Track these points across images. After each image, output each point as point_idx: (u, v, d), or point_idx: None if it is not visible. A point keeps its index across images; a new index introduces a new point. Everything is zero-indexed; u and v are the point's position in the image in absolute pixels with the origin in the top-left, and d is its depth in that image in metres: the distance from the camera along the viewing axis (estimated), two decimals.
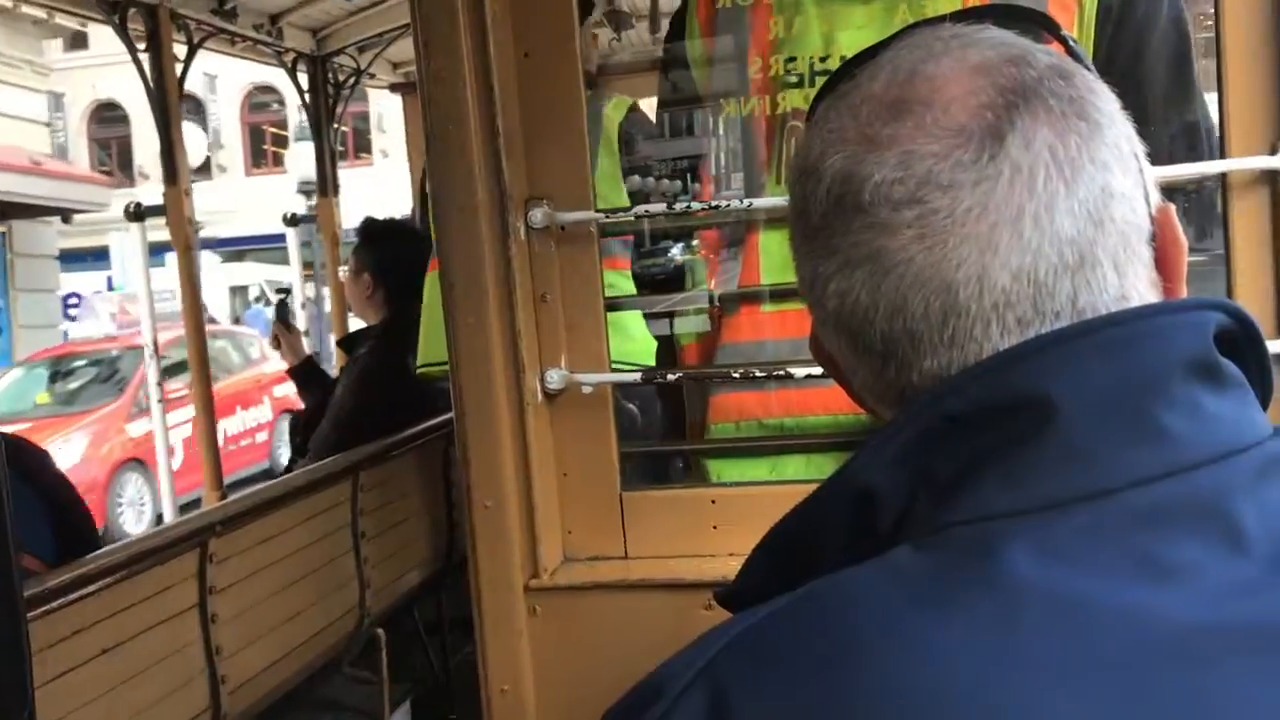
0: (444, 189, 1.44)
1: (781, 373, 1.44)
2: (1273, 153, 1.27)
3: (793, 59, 1.57)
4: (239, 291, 19.76)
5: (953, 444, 0.61)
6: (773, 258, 1.56)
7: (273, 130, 23.99)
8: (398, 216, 4.36)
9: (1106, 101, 0.65)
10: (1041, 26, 0.73)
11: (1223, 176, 1.30)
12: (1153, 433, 0.58)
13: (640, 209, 1.50)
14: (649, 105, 2.55)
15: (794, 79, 1.57)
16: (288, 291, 5.50)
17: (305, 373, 4.03)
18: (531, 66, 1.45)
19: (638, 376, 1.49)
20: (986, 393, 0.60)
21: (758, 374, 1.45)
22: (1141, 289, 0.64)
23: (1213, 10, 1.30)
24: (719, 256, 1.64)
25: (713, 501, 1.47)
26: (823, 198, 0.64)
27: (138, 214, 4.39)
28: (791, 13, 1.57)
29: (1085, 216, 0.61)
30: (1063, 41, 0.72)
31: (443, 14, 1.41)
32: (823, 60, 1.55)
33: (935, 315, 0.62)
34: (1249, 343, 0.63)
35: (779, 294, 1.54)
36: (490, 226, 1.42)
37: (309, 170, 13.67)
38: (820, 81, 1.51)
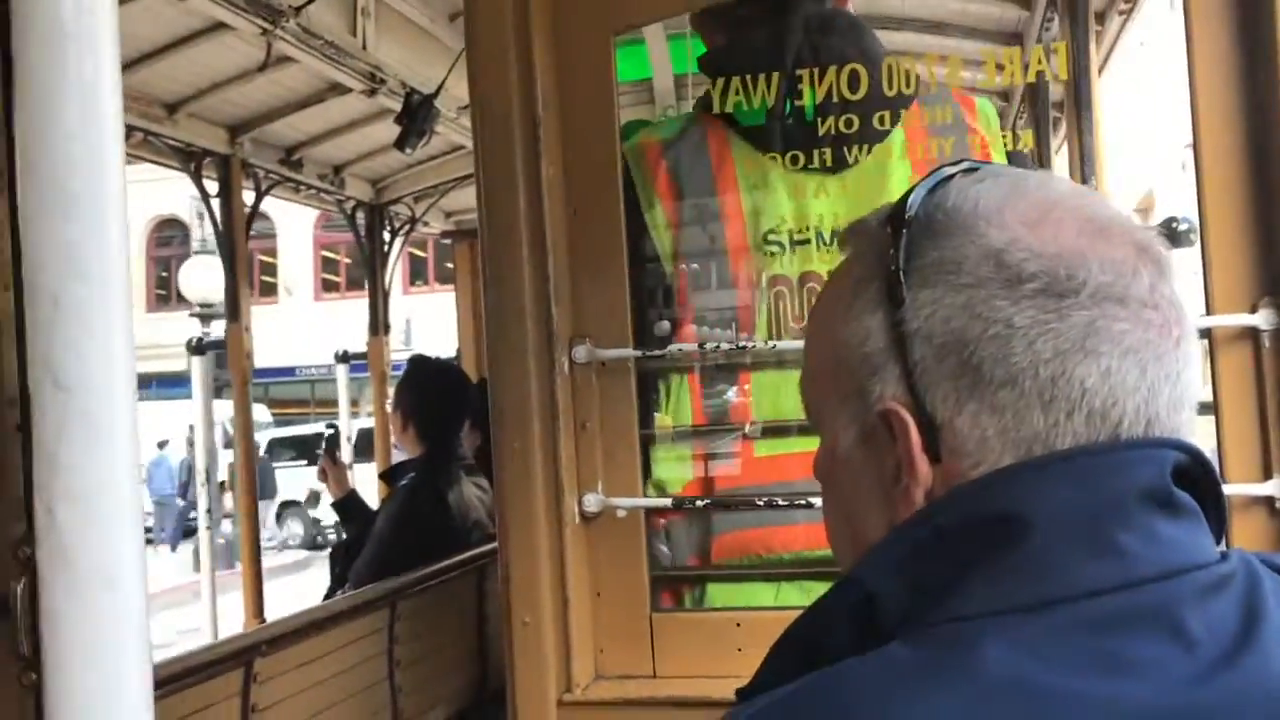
0: (497, 327, 1.59)
1: (804, 503, 1.56)
2: (1253, 311, 1.39)
3: (772, 230, 1.70)
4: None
5: (944, 552, 0.69)
6: (762, 404, 1.68)
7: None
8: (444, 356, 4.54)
9: None
10: None
11: (1208, 331, 1.42)
12: (1112, 551, 0.66)
13: (675, 348, 1.65)
14: None
15: (775, 248, 1.69)
16: (335, 428, 5.67)
17: (348, 505, 4.16)
18: (579, 221, 1.62)
19: (669, 502, 1.61)
20: (974, 509, 0.69)
21: (780, 503, 1.57)
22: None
23: (1195, 175, 1.44)
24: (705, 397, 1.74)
25: (738, 625, 1.56)
26: (1085, 293, 0.69)
27: (199, 348, 4.59)
28: (760, 186, 1.71)
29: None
30: None
31: (502, 175, 1.59)
32: (801, 231, 1.68)
33: (1138, 413, 0.69)
34: (1204, 478, 0.71)
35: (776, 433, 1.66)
36: (538, 361, 1.57)
37: (208, 293, 13.02)
38: (801, 250, 1.67)
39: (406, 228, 5.19)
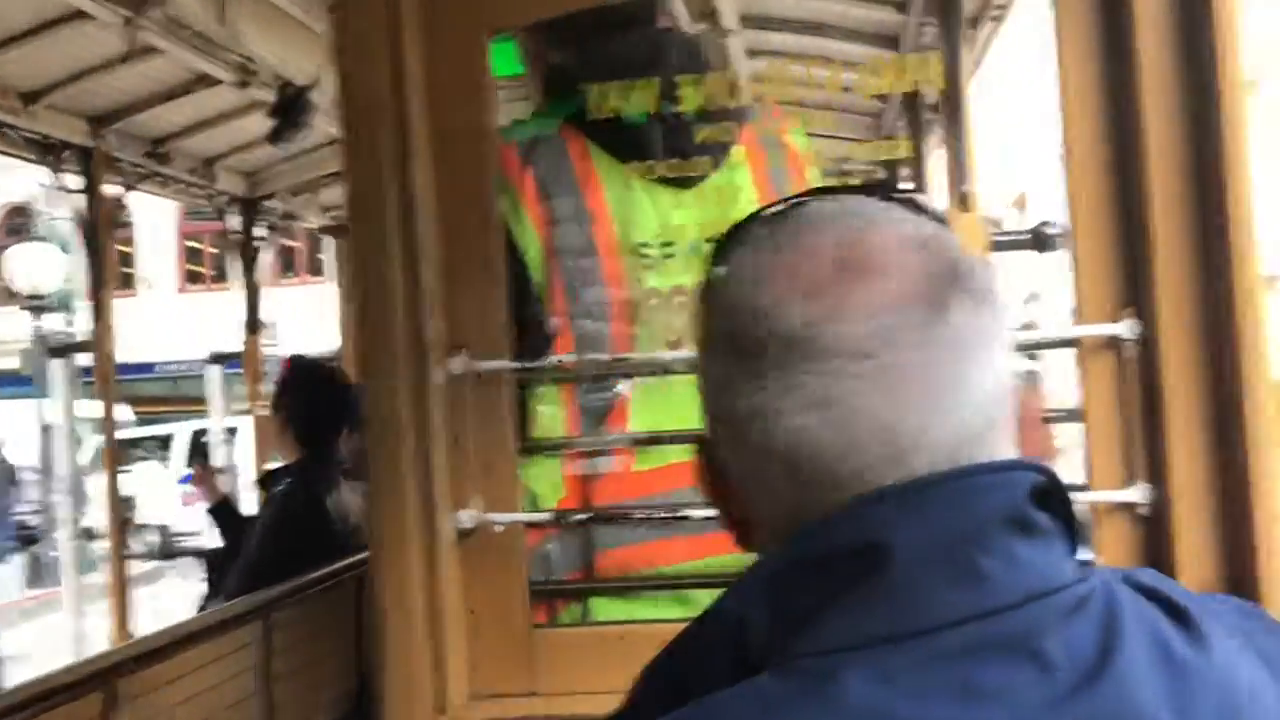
0: (368, 337, 1.54)
1: (684, 515, 1.54)
2: (1116, 320, 1.43)
3: (643, 242, 1.70)
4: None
5: (806, 582, 0.68)
6: (641, 416, 1.68)
7: None
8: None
9: (1000, 290, 0.75)
10: (936, 218, 0.81)
11: (1078, 340, 1.45)
12: (973, 578, 0.66)
13: (554, 359, 1.62)
14: None
15: (646, 260, 1.70)
16: (204, 431, 5.50)
17: (222, 512, 4.03)
18: (452, 226, 1.57)
19: (548, 516, 1.58)
20: (838, 538, 0.68)
21: (663, 516, 1.55)
22: (1009, 447, 0.73)
23: (1065, 186, 1.48)
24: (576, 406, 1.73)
25: (621, 638, 1.54)
26: (771, 338, 0.70)
27: (59, 350, 4.40)
28: (625, 197, 1.71)
29: (995, 386, 0.70)
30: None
31: (371, 176, 1.53)
32: (667, 245, 1.69)
33: (878, 463, 0.68)
34: (1058, 498, 0.72)
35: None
36: (411, 372, 1.52)
37: (41, 283, 11.30)
38: (669, 264, 1.67)
39: (280, 222, 5.04)
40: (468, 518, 1.53)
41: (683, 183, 1.72)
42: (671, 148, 1.68)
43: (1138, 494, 1.42)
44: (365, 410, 1.55)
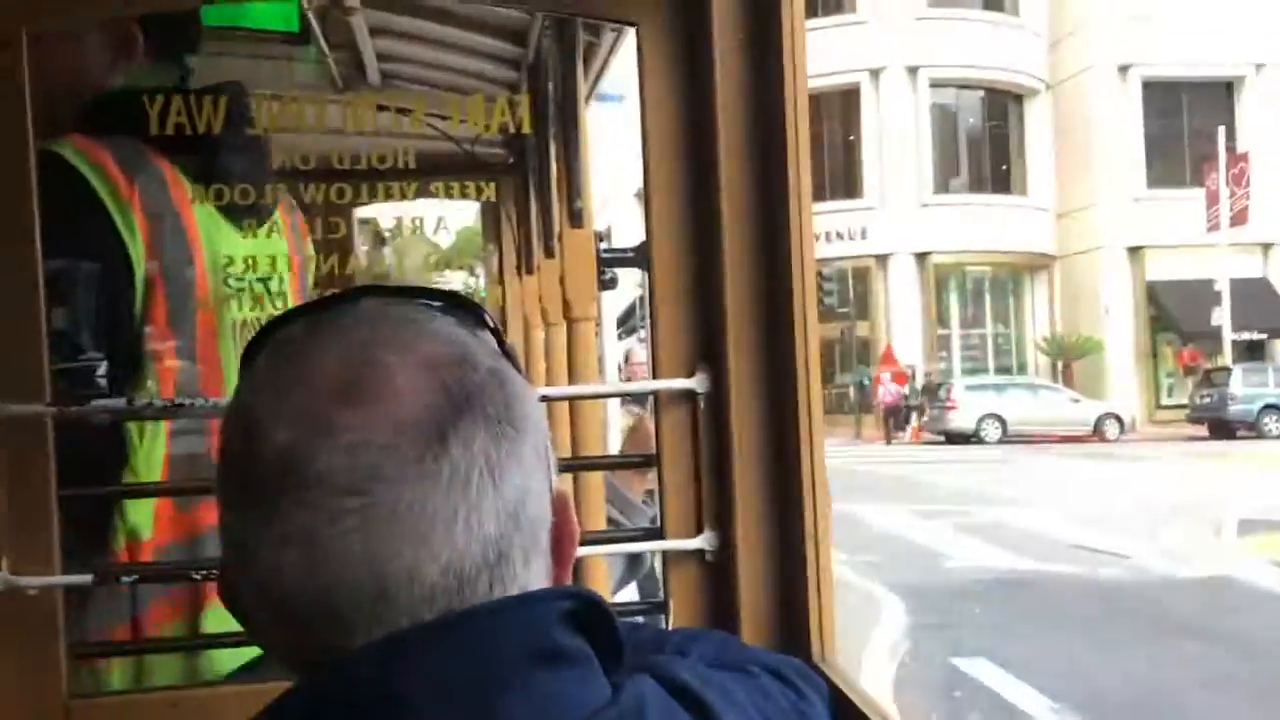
0: None
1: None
2: (690, 375, 1.48)
3: (229, 270, 1.61)
4: None
5: None
6: None
7: None
8: None
9: (531, 406, 0.73)
10: (478, 320, 0.78)
11: (655, 394, 1.50)
12: (491, 719, 0.64)
13: (102, 404, 1.45)
14: None
15: (230, 290, 1.61)
16: None
17: None
18: None
19: (88, 579, 1.42)
20: (349, 689, 0.64)
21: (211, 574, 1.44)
22: (540, 576, 0.72)
23: (646, 244, 1.51)
24: None
25: (174, 705, 1.42)
26: (264, 463, 0.66)
27: None
28: (208, 219, 1.62)
29: (507, 516, 0.68)
30: (496, 337, 0.78)
31: None
32: (243, 274, 1.61)
33: (365, 603, 0.64)
34: (597, 617, 0.72)
35: None
36: None
37: None
38: (248, 294, 1.58)
39: None
40: None
41: (242, 211, 1.61)
42: (243, 173, 1.57)
43: (705, 541, 1.49)
44: None
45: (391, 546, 0.64)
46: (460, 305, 0.78)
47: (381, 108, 1.68)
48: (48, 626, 1.41)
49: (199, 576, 1.45)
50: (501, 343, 0.78)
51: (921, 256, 30.96)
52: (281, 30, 3.55)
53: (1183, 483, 17.09)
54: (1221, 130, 29.54)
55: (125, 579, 1.46)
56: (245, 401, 0.69)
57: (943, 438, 26.97)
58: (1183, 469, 19.58)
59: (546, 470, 0.73)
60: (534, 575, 0.71)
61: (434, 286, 0.82)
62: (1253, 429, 25.58)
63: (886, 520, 12.92)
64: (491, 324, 0.80)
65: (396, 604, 0.65)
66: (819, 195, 31.45)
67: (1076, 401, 27.67)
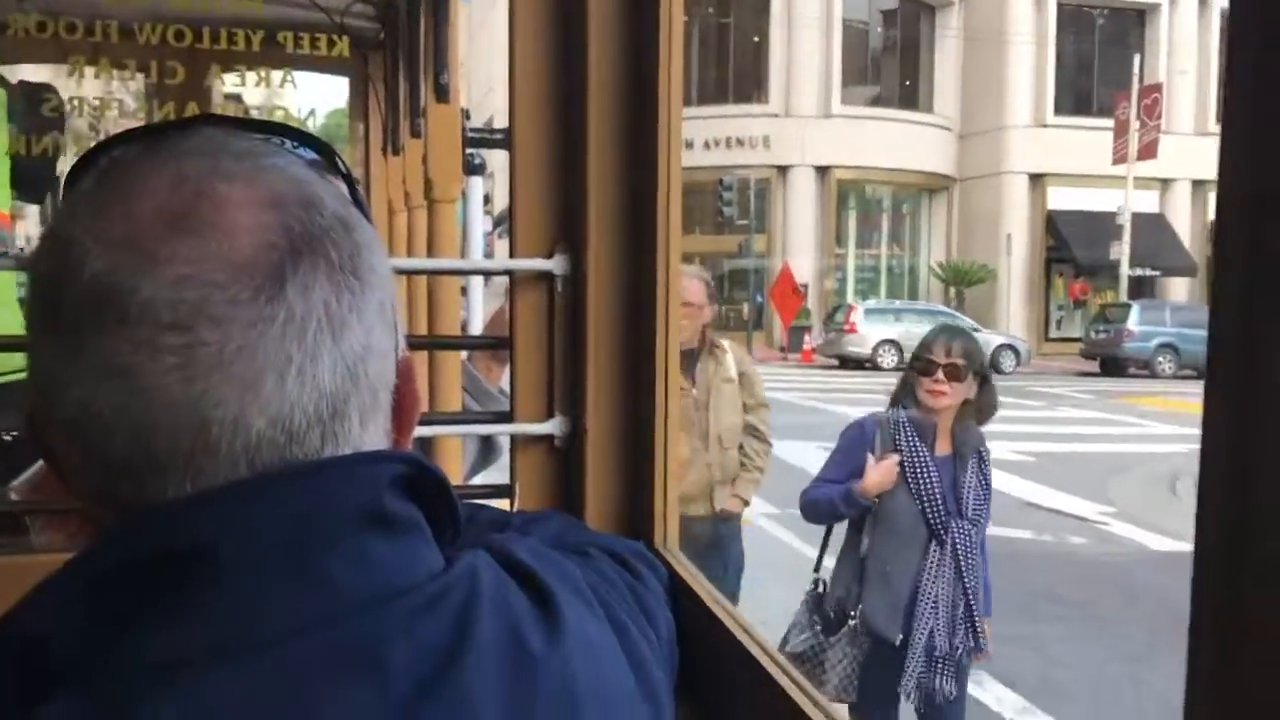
0: None
1: None
2: (549, 256, 1.52)
3: None
4: None
5: (123, 588, 0.63)
6: None
7: None
8: None
9: (379, 259, 0.71)
10: (330, 164, 0.76)
11: (512, 273, 1.53)
12: (316, 581, 0.64)
13: None
14: None
15: None
16: None
17: None
18: None
19: None
20: (159, 539, 0.63)
21: None
22: (377, 439, 0.70)
23: (509, 123, 1.53)
24: None
25: None
26: (77, 296, 0.62)
27: None
28: None
29: (344, 371, 0.66)
30: (349, 184, 0.76)
31: None
32: None
33: (184, 449, 0.62)
34: (431, 484, 0.71)
35: None
36: None
37: None
38: None
39: None
40: None
41: None
42: None
43: (554, 426, 1.54)
44: None
45: (217, 392, 0.62)
46: (311, 144, 0.76)
47: None
48: None
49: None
50: (354, 189, 0.75)
51: (823, 170, 31.29)
52: None
53: (1108, 426, 16.46)
54: (1136, 59, 30.37)
55: None
56: (63, 224, 0.66)
57: (836, 361, 27.26)
58: (1100, 411, 18.79)
59: (393, 331, 0.71)
60: (370, 437, 0.69)
61: (285, 124, 0.80)
62: (1145, 367, 26.33)
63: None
64: (344, 169, 0.77)
65: (217, 454, 0.63)
66: (722, 97, 31.66)
67: (976, 331, 27.73)
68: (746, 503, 5.08)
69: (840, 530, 4.13)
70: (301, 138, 0.76)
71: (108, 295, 0.62)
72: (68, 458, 0.66)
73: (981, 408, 3.99)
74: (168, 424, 0.62)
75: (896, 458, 3.87)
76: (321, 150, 0.77)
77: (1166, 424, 16.58)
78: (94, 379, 0.62)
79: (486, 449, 2.13)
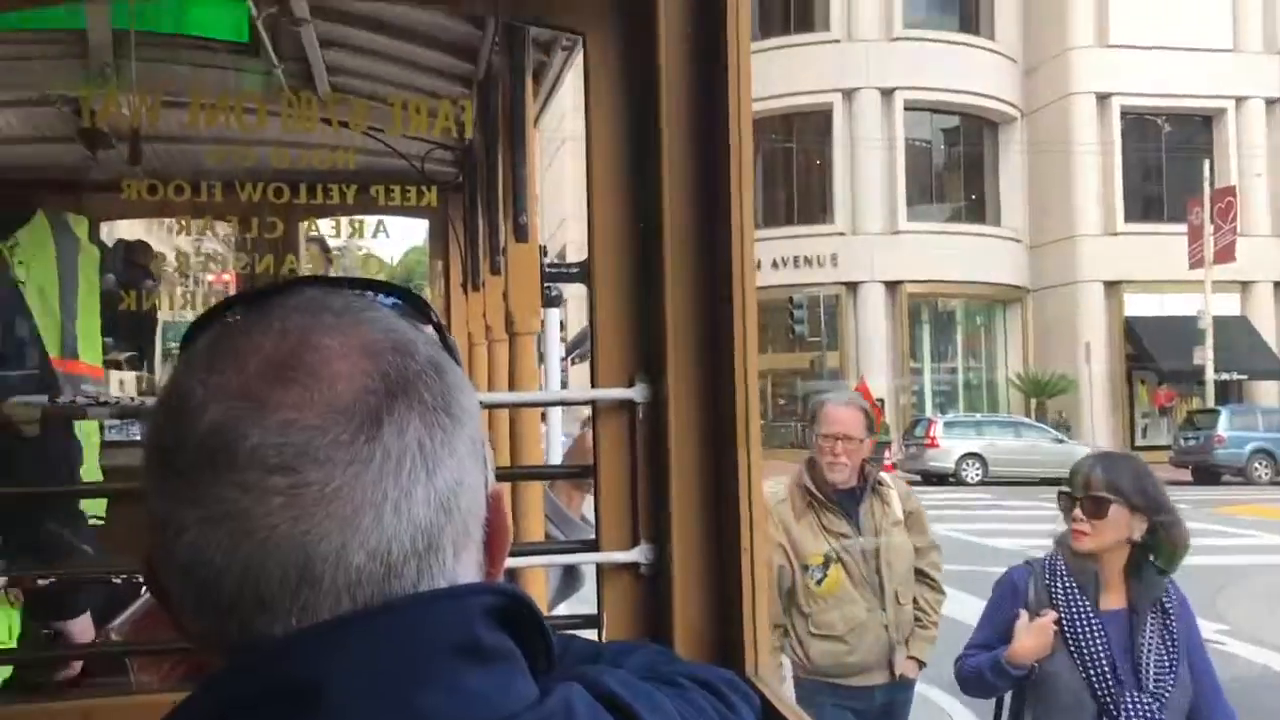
0: None
1: None
2: (630, 385, 1.55)
3: None
4: None
5: None
6: None
7: None
8: None
9: (468, 399, 0.75)
10: (421, 313, 0.81)
11: (594, 403, 1.56)
12: (416, 714, 0.66)
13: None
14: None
15: None
16: None
17: None
18: None
19: None
20: (268, 677, 0.66)
21: None
22: (470, 571, 0.73)
23: (588, 258, 1.58)
24: None
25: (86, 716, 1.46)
26: (195, 444, 0.67)
27: None
28: None
29: (438, 505, 0.69)
30: (439, 330, 0.81)
31: None
32: None
33: (290, 584, 0.66)
34: (524, 614, 0.73)
35: None
36: None
37: None
38: None
39: None
40: None
41: None
42: None
43: (640, 554, 1.55)
44: None
45: (320, 528, 0.65)
46: (404, 298, 0.82)
47: (325, 120, 1.73)
48: None
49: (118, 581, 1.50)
50: (444, 337, 0.80)
51: (892, 285, 31.34)
52: (230, 40, 3.62)
53: (1210, 537, 14.94)
54: (1206, 163, 30.21)
55: None
56: (178, 380, 0.71)
57: (919, 477, 26.75)
58: (1199, 522, 16.61)
59: (482, 465, 0.75)
60: (464, 569, 0.72)
61: (379, 280, 0.86)
62: (1240, 474, 25.50)
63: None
64: (435, 318, 0.81)
65: (321, 588, 0.66)
66: (788, 219, 32.04)
67: (1061, 442, 26.93)
68: (923, 664, 4.40)
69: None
70: (394, 291, 0.82)
71: (220, 444, 0.66)
72: (181, 600, 0.70)
73: (1161, 548, 3.23)
74: (275, 561, 0.66)
75: (1053, 615, 3.22)
76: (413, 301, 0.82)
77: (1272, 534, 15.78)
78: (206, 523, 0.66)
79: (569, 577, 2.14)
